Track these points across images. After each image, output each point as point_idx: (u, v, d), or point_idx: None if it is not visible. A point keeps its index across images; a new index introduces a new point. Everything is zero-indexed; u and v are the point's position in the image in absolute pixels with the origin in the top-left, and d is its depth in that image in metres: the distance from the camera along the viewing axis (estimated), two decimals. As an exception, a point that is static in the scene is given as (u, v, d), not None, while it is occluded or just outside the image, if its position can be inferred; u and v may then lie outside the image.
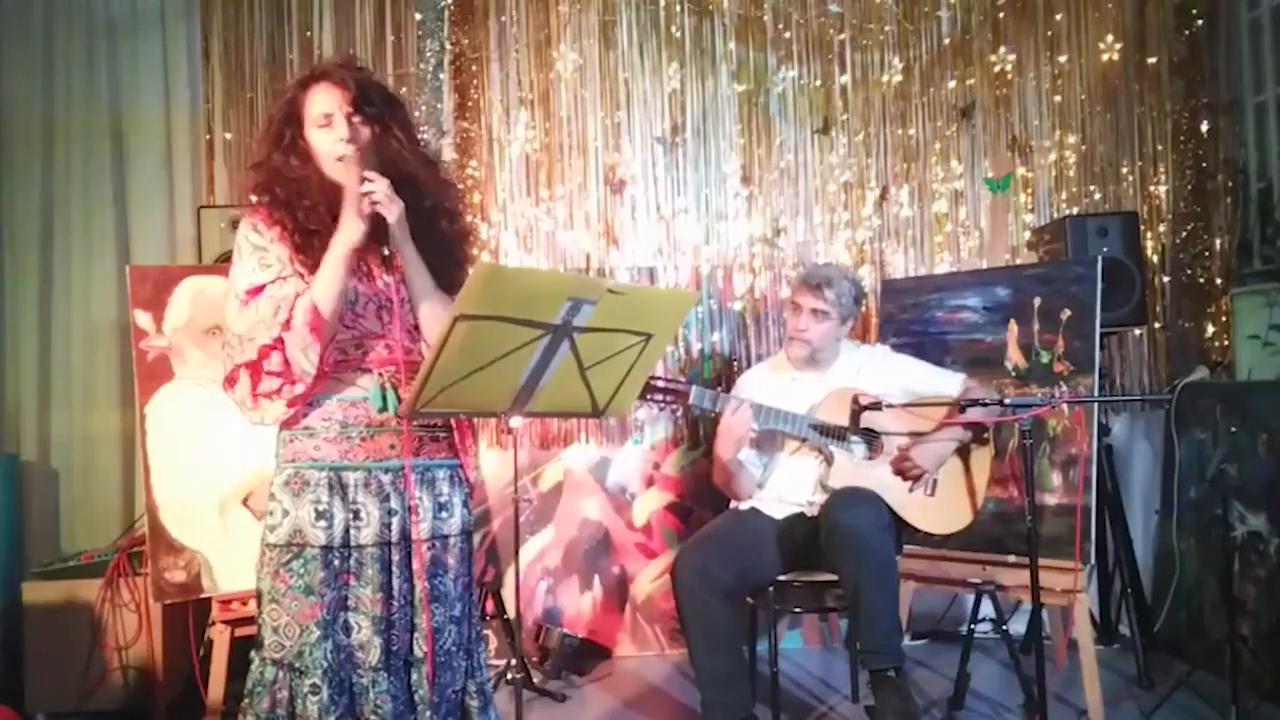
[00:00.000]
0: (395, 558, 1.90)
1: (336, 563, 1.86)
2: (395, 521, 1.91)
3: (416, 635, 1.91)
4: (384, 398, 1.90)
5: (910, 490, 2.96)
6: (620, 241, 4.06)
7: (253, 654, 1.88)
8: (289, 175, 1.90)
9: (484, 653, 2.07)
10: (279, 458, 1.93)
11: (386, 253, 1.87)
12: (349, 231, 1.82)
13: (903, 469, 2.94)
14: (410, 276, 1.91)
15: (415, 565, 1.91)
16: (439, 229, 2.00)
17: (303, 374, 1.84)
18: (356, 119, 1.91)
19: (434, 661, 1.90)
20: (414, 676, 1.92)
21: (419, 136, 2.04)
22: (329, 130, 1.90)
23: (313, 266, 1.86)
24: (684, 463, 4.03)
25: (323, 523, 1.85)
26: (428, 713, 1.90)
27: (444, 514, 1.97)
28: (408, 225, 1.88)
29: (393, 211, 1.84)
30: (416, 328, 1.95)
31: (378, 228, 1.85)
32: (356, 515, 1.88)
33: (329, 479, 1.88)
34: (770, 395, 3.03)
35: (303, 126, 1.92)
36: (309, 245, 1.87)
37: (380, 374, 1.92)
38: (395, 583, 1.90)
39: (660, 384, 2.84)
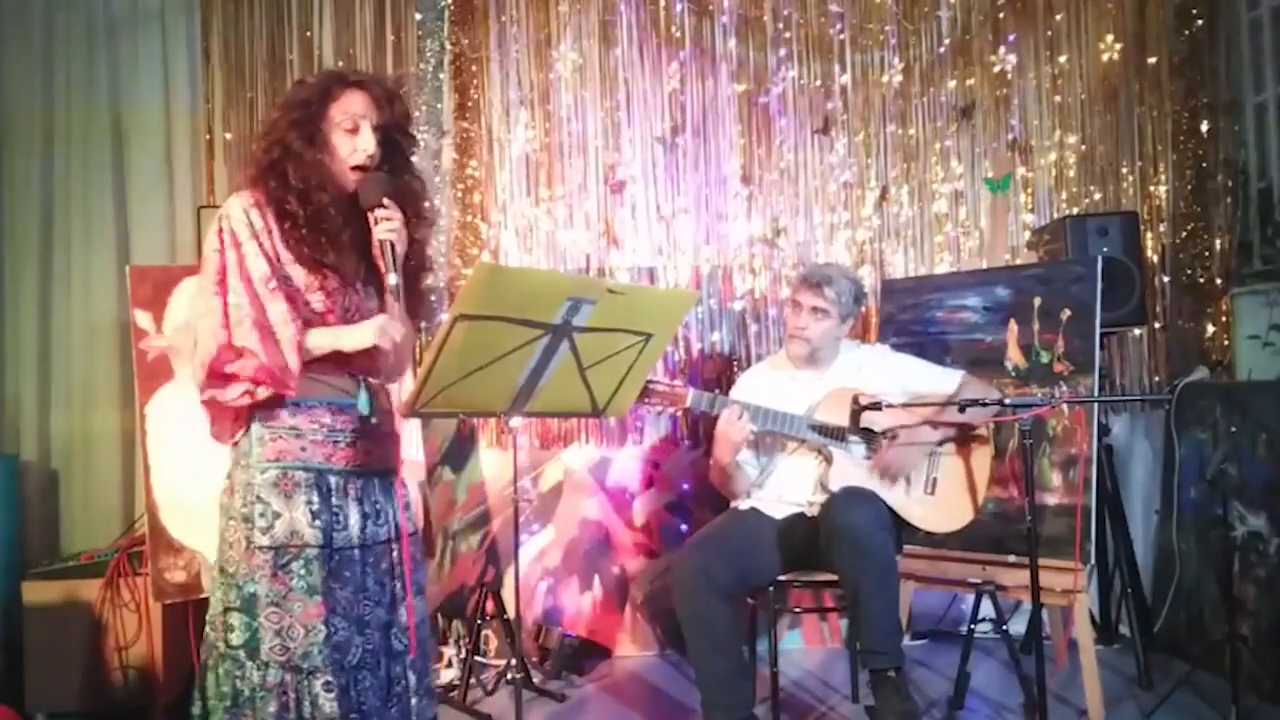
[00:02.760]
0: (369, 559, 1.93)
1: (330, 563, 1.88)
2: (370, 524, 1.94)
3: (395, 630, 1.95)
4: (371, 403, 1.91)
5: (908, 492, 2.95)
6: (620, 241, 4.06)
7: (242, 659, 1.82)
8: (309, 162, 1.87)
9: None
10: (256, 455, 1.87)
11: (395, 283, 1.86)
12: (364, 337, 1.84)
13: (886, 474, 2.95)
14: (391, 302, 1.91)
15: (389, 563, 1.96)
16: (420, 261, 2.04)
17: (282, 371, 1.81)
18: (380, 140, 1.92)
19: (418, 651, 1.95)
20: (396, 669, 1.95)
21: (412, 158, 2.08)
22: (353, 136, 1.91)
23: (312, 263, 1.85)
24: (684, 463, 4.02)
25: (318, 523, 1.86)
26: (412, 700, 1.95)
27: (408, 512, 2.01)
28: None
29: (403, 242, 1.88)
30: None
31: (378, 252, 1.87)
32: (337, 518, 1.90)
33: (315, 480, 1.88)
34: (770, 394, 3.03)
35: (327, 121, 1.91)
36: (315, 241, 1.86)
37: (363, 380, 1.93)
38: (369, 583, 1.93)
39: (658, 387, 2.83)
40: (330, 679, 1.83)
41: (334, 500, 1.89)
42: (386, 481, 2.00)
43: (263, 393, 1.81)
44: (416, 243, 2.00)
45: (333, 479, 1.90)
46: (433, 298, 2.17)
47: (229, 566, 1.86)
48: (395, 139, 1.96)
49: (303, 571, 1.84)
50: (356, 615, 1.89)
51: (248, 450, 1.89)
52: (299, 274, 1.87)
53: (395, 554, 1.96)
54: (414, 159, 2.06)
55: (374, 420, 1.93)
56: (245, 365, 1.79)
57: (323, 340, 1.86)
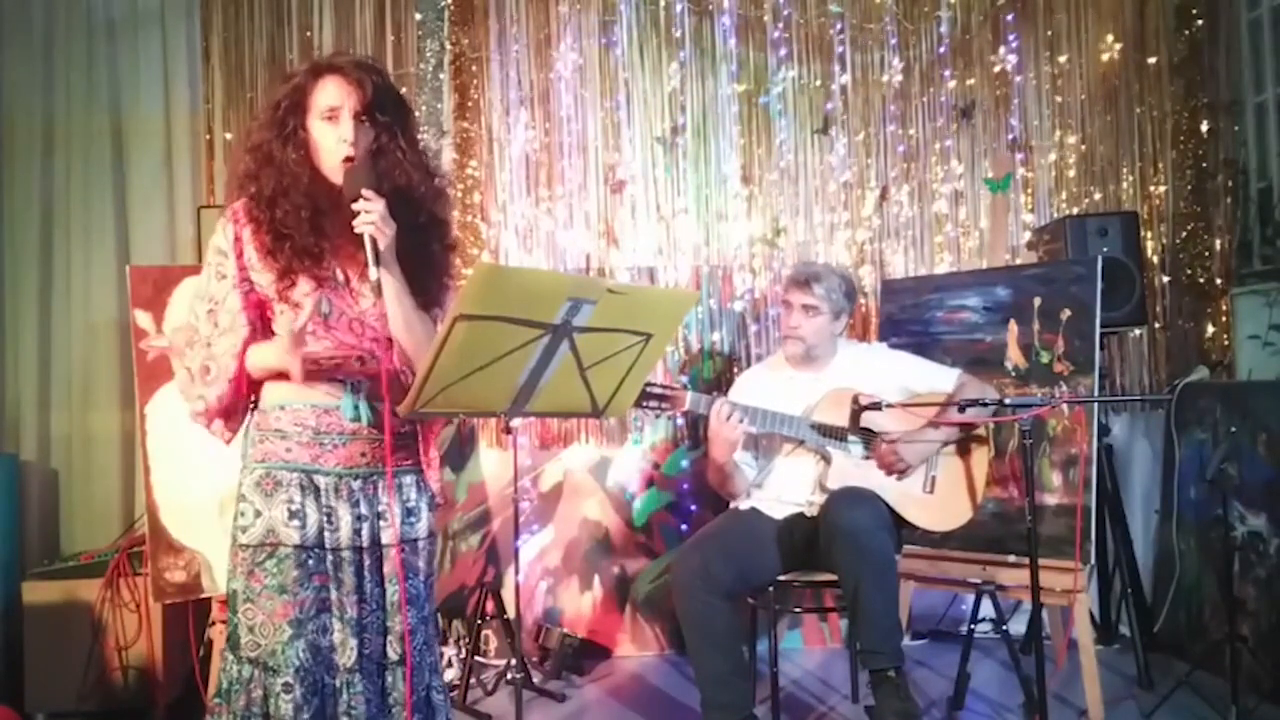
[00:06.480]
0: (367, 562, 1.90)
1: (311, 562, 1.85)
2: (365, 527, 1.89)
3: (390, 638, 1.90)
4: (356, 409, 1.87)
5: (907, 490, 2.95)
6: (620, 241, 4.06)
7: (226, 653, 1.87)
8: (281, 166, 1.84)
9: (438, 648, 2.08)
10: (247, 457, 1.91)
11: (375, 278, 1.78)
12: (288, 363, 1.78)
13: (886, 463, 2.94)
14: (391, 299, 1.83)
15: (388, 569, 1.91)
16: (429, 245, 1.95)
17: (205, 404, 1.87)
18: (364, 121, 1.85)
19: (411, 663, 1.91)
20: (389, 679, 1.91)
21: (419, 141, 1.98)
22: (333, 125, 1.84)
23: (280, 271, 1.82)
24: (684, 463, 4.02)
25: (296, 522, 1.84)
26: (404, 713, 1.90)
27: (412, 519, 1.96)
28: (395, 243, 1.81)
29: (386, 235, 1.78)
30: (389, 340, 1.90)
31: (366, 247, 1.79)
32: (329, 518, 1.87)
33: (300, 480, 1.86)
34: (768, 395, 3.03)
35: (306, 116, 1.86)
36: (279, 249, 1.82)
37: (352, 385, 1.88)
38: (367, 587, 1.89)
39: (656, 390, 2.83)
40: (290, 680, 1.81)
41: (326, 501, 1.87)
42: (399, 482, 1.94)
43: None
44: (424, 226, 1.92)
45: (323, 480, 1.87)
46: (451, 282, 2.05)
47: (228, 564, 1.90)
48: (381, 119, 1.87)
49: (275, 570, 1.83)
50: (353, 618, 1.87)
51: (244, 451, 1.92)
52: (267, 281, 1.84)
53: (399, 558, 1.92)
54: (415, 133, 1.96)
55: (363, 424, 1.88)
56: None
57: (258, 361, 1.86)
